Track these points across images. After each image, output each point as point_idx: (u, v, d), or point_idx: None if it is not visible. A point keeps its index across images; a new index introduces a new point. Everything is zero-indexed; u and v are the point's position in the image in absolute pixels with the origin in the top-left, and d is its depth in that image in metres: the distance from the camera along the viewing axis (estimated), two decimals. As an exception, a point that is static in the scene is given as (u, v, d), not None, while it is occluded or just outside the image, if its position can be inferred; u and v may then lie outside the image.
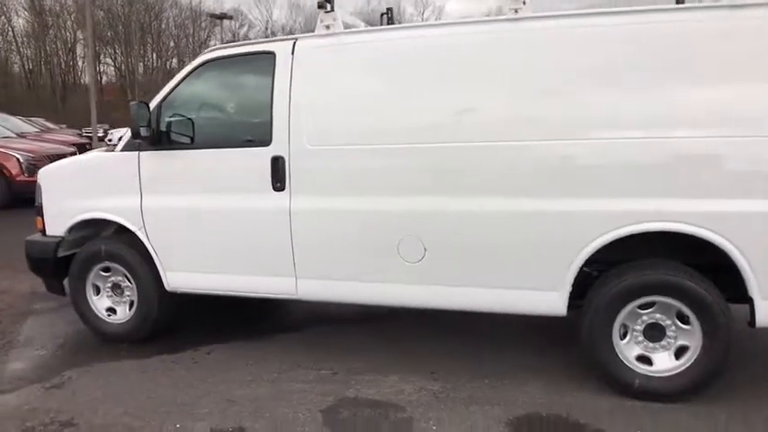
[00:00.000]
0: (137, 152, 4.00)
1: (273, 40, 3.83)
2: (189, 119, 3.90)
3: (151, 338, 4.26)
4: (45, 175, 4.43)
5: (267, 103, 3.72)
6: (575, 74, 3.21)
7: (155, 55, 59.17)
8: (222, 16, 40.68)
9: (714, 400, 3.20)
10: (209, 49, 4.01)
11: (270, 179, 3.69)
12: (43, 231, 4.40)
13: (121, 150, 4.08)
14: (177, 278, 4.06)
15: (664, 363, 3.25)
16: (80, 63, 54.29)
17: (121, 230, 4.28)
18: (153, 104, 3.91)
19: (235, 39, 62.30)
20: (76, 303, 4.37)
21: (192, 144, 3.89)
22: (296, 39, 3.75)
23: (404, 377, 3.63)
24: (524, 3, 3.33)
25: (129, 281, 4.23)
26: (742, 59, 3.01)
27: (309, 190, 3.65)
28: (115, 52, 55.39)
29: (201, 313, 4.85)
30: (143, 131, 3.76)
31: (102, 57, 51.61)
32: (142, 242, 4.08)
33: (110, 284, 4.32)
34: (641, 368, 3.27)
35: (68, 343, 4.38)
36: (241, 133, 3.92)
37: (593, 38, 3.21)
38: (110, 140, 24.67)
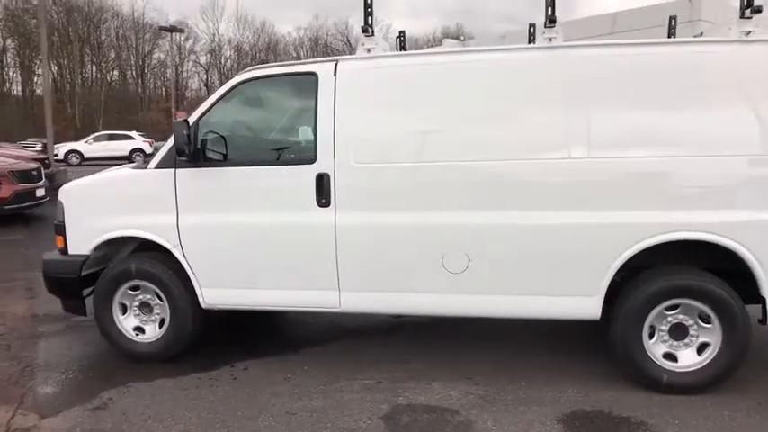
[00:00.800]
0: (173, 170, 4.03)
1: (314, 62, 3.98)
2: (229, 137, 3.98)
3: (180, 357, 4.26)
4: (68, 192, 4.36)
5: (311, 121, 3.86)
6: (613, 99, 3.56)
7: (94, 68, 57.06)
8: (173, 29, 39.75)
9: (735, 390, 3.59)
10: (248, 69, 4.10)
11: (315, 195, 3.82)
12: (64, 250, 4.32)
13: (156, 168, 4.09)
14: (214, 295, 4.10)
15: (688, 359, 3.61)
16: (11, 73, 51.61)
17: (146, 248, 4.29)
18: (191, 122, 3.96)
19: (180, 51, 60.98)
20: (101, 323, 4.31)
21: (233, 161, 3.97)
22: (336, 60, 3.92)
23: (446, 383, 3.83)
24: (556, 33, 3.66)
25: (161, 299, 4.22)
26: (738, 89, 3.45)
27: (355, 205, 3.81)
28: (49, 63, 52.93)
29: (223, 331, 4.87)
30: (187, 150, 3.80)
31: (35, 67, 49.25)
32: (175, 259, 4.10)
33: (137, 303, 4.29)
34: (668, 365, 3.61)
35: (95, 365, 4.30)
36: (283, 151, 4.03)
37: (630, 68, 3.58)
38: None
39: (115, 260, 4.40)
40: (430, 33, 66.01)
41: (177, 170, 4.02)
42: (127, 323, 4.31)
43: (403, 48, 5.18)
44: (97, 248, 4.29)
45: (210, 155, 3.93)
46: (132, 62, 64.15)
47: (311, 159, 3.84)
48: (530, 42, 4.89)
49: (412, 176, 3.75)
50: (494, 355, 4.27)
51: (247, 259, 4.00)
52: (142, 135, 32.57)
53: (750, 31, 3.52)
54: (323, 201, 3.82)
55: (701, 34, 4.12)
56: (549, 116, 3.62)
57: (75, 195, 4.34)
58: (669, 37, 4.82)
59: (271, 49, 73.59)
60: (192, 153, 3.89)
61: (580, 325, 3.88)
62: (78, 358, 4.42)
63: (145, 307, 4.30)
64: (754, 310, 3.58)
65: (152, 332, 4.29)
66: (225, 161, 3.95)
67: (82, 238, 4.25)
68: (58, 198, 4.37)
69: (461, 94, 3.75)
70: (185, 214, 4.03)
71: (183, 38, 57.98)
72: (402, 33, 5.23)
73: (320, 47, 75.41)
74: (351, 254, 3.84)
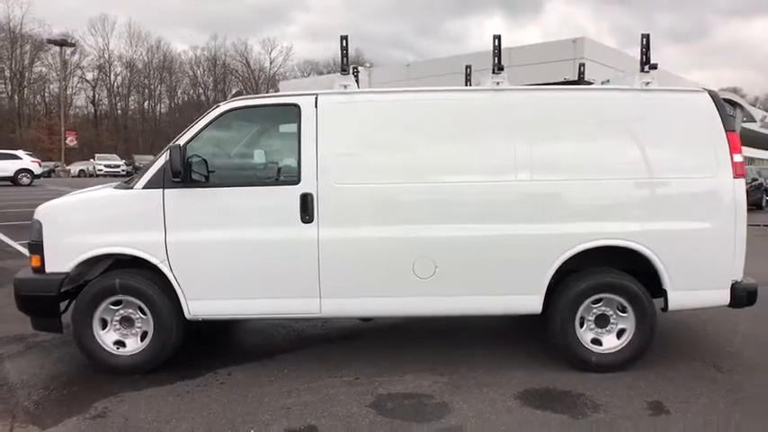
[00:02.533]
0: (161, 189, 4.32)
1: (296, 95, 4.49)
2: (217, 160, 4.36)
3: (161, 368, 4.48)
4: (46, 212, 4.47)
5: (294, 147, 4.35)
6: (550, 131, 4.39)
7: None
8: (63, 43, 37.53)
9: (646, 365, 4.48)
10: (233, 99, 4.51)
11: (299, 212, 4.29)
12: (40, 269, 4.42)
13: (144, 188, 4.36)
14: (200, 306, 4.40)
15: (610, 343, 4.47)
16: None
17: (122, 265, 4.50)
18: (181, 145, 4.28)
19: (66, 66, 57.28)
20: (80, 338, 4.44)
21: (222, 183, 4.35)
22: (317, 94, 4.44)
23: (416, 375, 4.40)
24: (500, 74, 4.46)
25: (143, 313, 4.44)
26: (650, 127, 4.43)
27: (335, 221, 4.32)
28: None
29: (196, 343, 5.12)
30: (182, 172, 4.13)
31: None
32: (161, 274, 4.37)
33: (119, 318, 4.48)
34: (595, 348, 4.45)
35: (76, 379, 4.40)
36: (269, 173, 4.48)
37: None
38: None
39: (93, 277, 4.54)
40: (330, 57, 67.33)
41: (166, 190, 4.32)
42: (107, 338, 4.47)
43: (357, 80, 5.79)
44: (76, 267, 4.43)
45: (198, 177, 4.28)
46: (8, 75, 59.47)
47: (295, 180, 4.32)
48: (467, 82, 5.71)
49: (385, 195, 4.34)
50: (452, 349, 4.93)
51: (235, 271, 4.36)
52: (29, 154, 30.38)
53: (648, 82, 4.51)
54: (306, 217, 4.30)
55: (608, 81, 5.12)
56: (498, 145, 4.38)
57: (56, 215, 4.47)
58: (579, 77, 5.83)
59: (166, 68, 71.33)
60: (183, 175, 4.22)
61: (520, 318, 4.65)
62: (55, 375, 4.50)
63: (126, 321, 4.49)
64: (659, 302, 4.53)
65: (134, 345, 4.48)
66: (214, 182, 4.32)
67: (63, 256, 4.38)
68: (35, 218, 4.47)
69: (426, 125, 4.43)
70: (173, 231, 4.32)
71: (67, 52, 54.86)
72: (356, 68, 5.86)
73: (219, 67, 74.26)
74: (331, 264, 4.33)
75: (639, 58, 4.57)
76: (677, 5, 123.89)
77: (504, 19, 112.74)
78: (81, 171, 44.24)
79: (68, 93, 63.37)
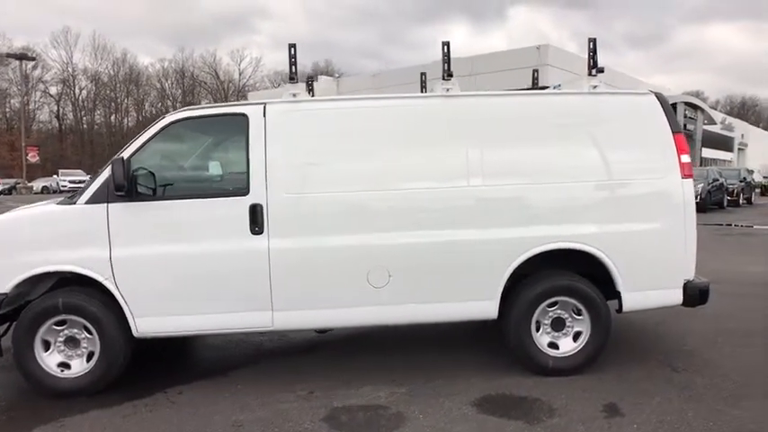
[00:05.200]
0: (105, 204, 4.18)
1: (243, 104, 4.40)
2: (161, 172, 4.24)
3: (107, 390, 4.30)
4: (-18, 231, 4.29)
5: (243, 157, 4.25)
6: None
7: None
8: (22, 56, 36.59)
9: (602, 367, 4.48)
10: (178, 109, 4.40)
11: (248, 224, 4.20)
12: None
13: (86, 203, 4.21)
14: (149, 323, 4.26)
15: (566, 346, 4.46)
16: None
17: (70, 283, 4.34)
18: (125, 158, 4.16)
19: (27, 80, 55.85)
20: (22, 362, 4.24)
21: (167, 195, 4.23)
22: (265, 104, 4.37)
23: (373, 387, 4.33)
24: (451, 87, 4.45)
25: (89, 332, 4.28)
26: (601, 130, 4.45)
27: (286, 232, 4.23)
28: None
29: (146, 362, 4.96)
30: (125, 185, 4.00)
31: None
32: (107, 292, 4.22)
33: (63, 338, 4.30)
34: (552, 352, 4.44)
35: (15, 404, 4.22)
36: (216, 184, 4.37)
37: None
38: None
39: (36, 297, 4.36)
40: (300, 68, 67.17)
41: (110, 205, 4.18)
42: (50, 360, 4.29)
43: (311, 90, 5.75)
44: (15, 287, 4.25)
45: (143, 190, 4.16)
46: (-33, 90, 57.87)
47: (244, 192, 4.22)
48: (422, 89, 5.70)
49: (337, 204, 4.27)
50: (411, 358, 4.87)
51: (183, 287, 4.23)
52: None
53: (596, 86, 4.55)
54: (256, 229, 4.20)
55: (560, 86, 5.16)
56: (450, 151, 4.36)
57: (-9, 233, 4.29)
58: (533, 83, 5.88)
59: (133, 80, 70.25)
60: (128, 188, 4.09)
61: (476, 324, 4.62)
62: (-6, 401, 4.30)
63: (70, 342, 4.32)
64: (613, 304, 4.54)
65: (79, 367, 4.31)
66: (160, 195, 4.20)
67: (1, 276, 4.20)
68: None
69: (377, 132, 4.38)
70: (118, 247, 4.18)
71: (28, 66, 53.58)
72: (311, 78, 5.80)
73: (187, 79, 73.44)
74: (283, 276, 4.24)
75: (587, 61, 4.61)
76: (636, 11, 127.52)
77: (470, 26, 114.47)
78: (44, 187, 43.11)
79: (31, 107, 61.91)
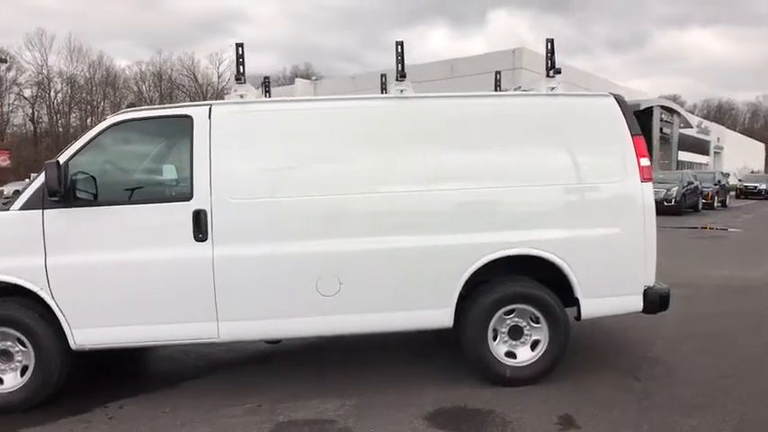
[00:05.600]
0: (40, 210, 3.97)
1: (188, 106, 4.21)
2: (101, 177, 4.03)
3: (45, 404, 4.09)
4: None
5: (186, 161, 4.07)
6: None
7: None
8: (-8, 59, 35.73)
9: (562, 377, 4.36)
10: (120, 111, 4.20)
11: (192, 231, 4.01)
12: None
13: (20, 209, 3.99)
14: (87, 335, 4.04)
15: (524, 355, 4.33)
16: None
17: (5, 293, 4.11)
18: (61, 162, 3.95)
19: (1, 82, 54.49)
20: (-50, 377, 4.01)
21: (106, 201, 4.02)
22: (211, 105, 4.19)
23: (322, 399, 4.15)
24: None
25: (23, 345, 4.05)
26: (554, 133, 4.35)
27: (231, 239, 4.05)
28: None
29: (91, 374, 4.73)
30: (59, 190, 3.79)
31: None
32: (42, 302, 4.00)
33: (-6, 352, 4.07)
34: (510, 361, 4.31)
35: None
36: (158, 189, 4.17)
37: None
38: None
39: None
40: (280, 71, 66.93)
41: (45, 211, 3.96)
42: (-20, 374, 4.06)
43: (268, 92, 5.57)
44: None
45: (82, 195, 3.95)
46: (-68, 95, 56.44)
47: (188, 197, 4.03)
48: (382, 90, 5.56)
49: (285, 209, 4.10)
50: (361, 370, 4.70)
51: (123, 296, 4.03)
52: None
53: (554, 87, 4.45)
54: (200, 235, 4.01)
55: (520, 87, 5.05)
56: (404, 154, 4.21)
57: None
58: (496, 87, 5.77)
59: (109, 83, 69.16)
60: (64, 193, 3.88)
61: (431, 334, 4.48)
62: None
63: (3, 355, 4.08)
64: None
65: (12, 381, 4.08)
66: (98, 200, 3.99)
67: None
68: None
69: (329, 135, 4.22)
70: (54, 255, 3.97)
71: (3, 68, 52.36)
72: (267, 79, 5.63)
73: (164, 82, 72.55)
74: (228, 285, 4.06)
75: (545, 62, 4.51)
76: (615, 16, 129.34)
77: (450, 29, 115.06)
78: (16, 191, 42.21)
79: (5, 110, 60.67)
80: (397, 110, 4.32)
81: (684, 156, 41.50)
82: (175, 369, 5.02)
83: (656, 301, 4.42)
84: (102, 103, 69.80)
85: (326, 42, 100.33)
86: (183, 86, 73.51)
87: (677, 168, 32.21)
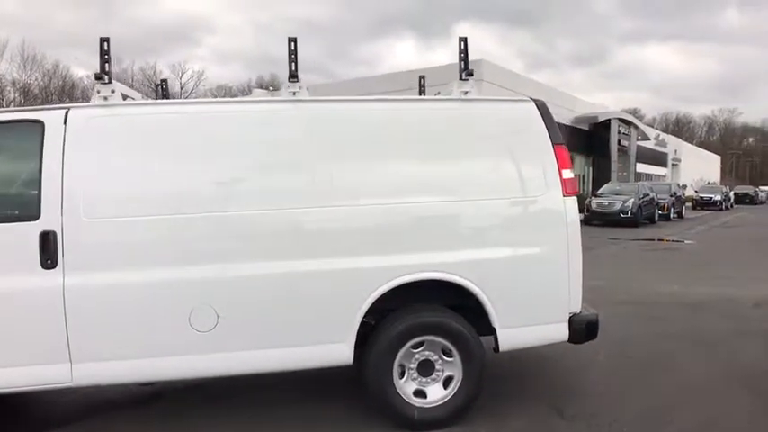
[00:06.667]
0: None
1: (41, 109, 3.60)
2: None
3: None
4: None
5: (34, 174, 3.44)
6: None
7: None
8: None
9: (478, 416, 3.85)
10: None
11: (39, 255, 3.38)
12: None
13: None
14: None
15: (435, 394, 3.80)
16: None
17: None
18: None
19: (-59, 91, 52.12)
20: None
21: (-69, 221, 3.36)
22: (68, 108, 3.59)
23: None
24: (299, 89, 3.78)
25: None
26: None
27: (86, 265, 3.43)
28: None
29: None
30: None
31: None
32: None
33: None
34: (418, 402, 3.77)
35: None
36: (1, 207, 3.52)
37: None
38: None
39: None
40: (244, 82, 65.99)
41: None
42: None
43: (165, 97, 4.98)
44: None
45: None
46: None
47: (34, 216, 3.40)
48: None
49: (151, 230, 3.51)
50: (254, 409, 4.12)
51: (-50, 336, 3.37)
52: None
53: (467, 91, 3.98)
54: (48, 262, 3.39)
55: (438, 93, 4.56)
56: (293, 166, 3.68)
57: None
58: (420, 92, 5.28)
59: (66, 93, 66.98)
60: None
61: (333, 371, 3.90)
62: None
63: None
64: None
65: None
66: None
67: None
68: None
69: (207, 143, 3.66)
70: None
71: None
72: (164, 81, 5.04)
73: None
74: (82, 320, 3.43)
75: (458, 64, 4.03)
76: (578, 31, 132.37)
77: (417, 42, 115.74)
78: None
79: (-48, 120, 58.02)
80: (286, 114, 3.77)
81: (643, 168, 42.05)
82: (48, 415, 4.33)
83: (581, 330, 3.96)
84: (57, 113, 67.41)
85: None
86: (147, 96, 71.78)
87: (635, 180, 32.48)
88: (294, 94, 3.79)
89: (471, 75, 3.95)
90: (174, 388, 4.59)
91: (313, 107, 3.82)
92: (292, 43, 3.83)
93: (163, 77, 5.56)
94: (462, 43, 4.00)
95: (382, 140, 3.80)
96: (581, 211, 22.96)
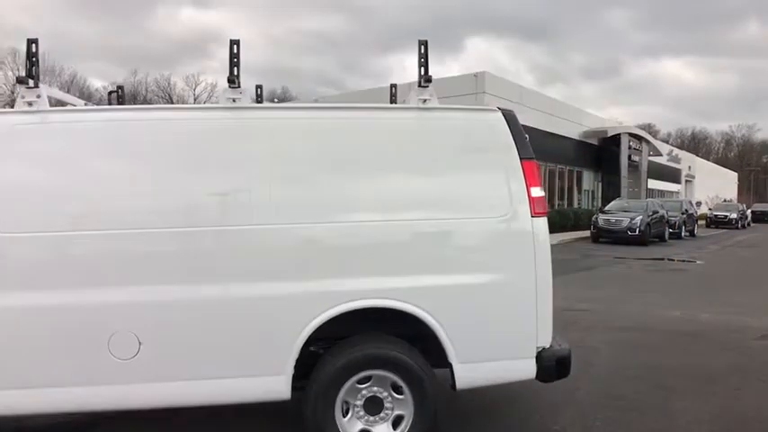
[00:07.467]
0: None
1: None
2: None
3: None
4: None
5: (-61, 184, 3.14)
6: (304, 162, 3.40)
7: None
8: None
9: (427, 463, 3.43)
10: None
11: (-59, 274, 3.07)
12: None
13: None
14: None
15: (384, 435, 3.41)
16: None
17: None
18: None
19: (-37, 100, 52.78)
20: None
21: None
22: (-15, 113, 3.30)
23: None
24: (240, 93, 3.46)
25: None
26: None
27: (-4, 284, 3.12)
28: None
29: None
30: None
31: None
32: None
33: None
34: (364, 443, 3.38)
35: None
36: None
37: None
38: None
39: None
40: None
41: None
42: None
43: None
44: None
45: None
46: None
47: (-60, 229, 3.10)
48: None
49: (65, 247, 3.19)
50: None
51: None
52: None
53: (426, 99, 3.63)
54: (-48, 279, 3.08)
55: (404, 101, 4.21)
56: (225, 180, 3.34)
57: None
58: (391, 99, 4.93)
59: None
60: None
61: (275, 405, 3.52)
62: None
63: None
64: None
65: None
66: None
67: None
68: None
69: (136, 153, 3.35)
70: None
71: (-30, 86, 50.69)
72: (120, 88, 4.74)
73: (139, 102, 71.38)
74: (-12, 344, 3.11)
75: (417, 70, 3.68)
76: (591, 45, 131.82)
77: (430, 56, 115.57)
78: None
79: (-31, 128, 58.70)
80: (221, 123, 3.45)
81: (655, 184, 41.30)
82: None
83: (551, 367, 3.55)
84: (72, 122, 68.18)
85: (305, 66, 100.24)
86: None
87: (647, 196, 31.82)
88: (234, 100, 3.46)
89: (430, 81, 3.60)
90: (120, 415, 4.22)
91: (252, 114, 3.49)
92: (234, 46, 3.50)
93: (119, 85, 5.22)
94: (422, 47, 3.66)
95: (328, 151, 3.45)
96: (588, 227, 22.52)
